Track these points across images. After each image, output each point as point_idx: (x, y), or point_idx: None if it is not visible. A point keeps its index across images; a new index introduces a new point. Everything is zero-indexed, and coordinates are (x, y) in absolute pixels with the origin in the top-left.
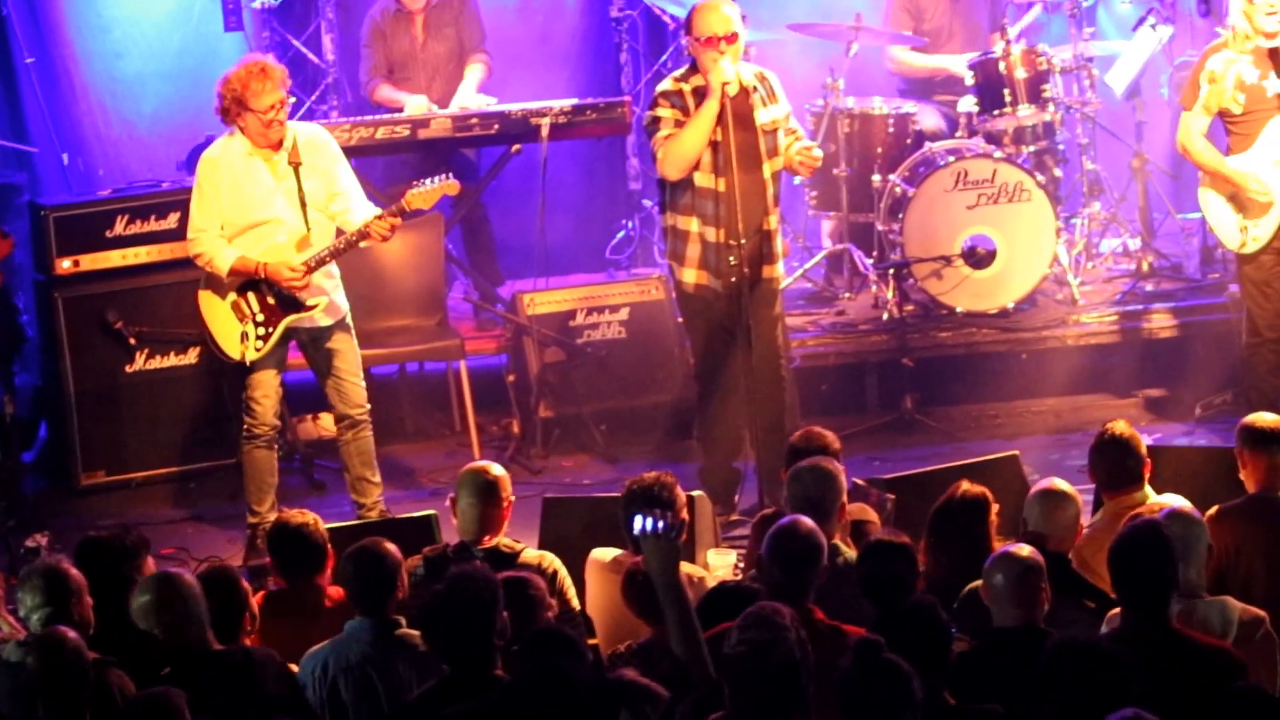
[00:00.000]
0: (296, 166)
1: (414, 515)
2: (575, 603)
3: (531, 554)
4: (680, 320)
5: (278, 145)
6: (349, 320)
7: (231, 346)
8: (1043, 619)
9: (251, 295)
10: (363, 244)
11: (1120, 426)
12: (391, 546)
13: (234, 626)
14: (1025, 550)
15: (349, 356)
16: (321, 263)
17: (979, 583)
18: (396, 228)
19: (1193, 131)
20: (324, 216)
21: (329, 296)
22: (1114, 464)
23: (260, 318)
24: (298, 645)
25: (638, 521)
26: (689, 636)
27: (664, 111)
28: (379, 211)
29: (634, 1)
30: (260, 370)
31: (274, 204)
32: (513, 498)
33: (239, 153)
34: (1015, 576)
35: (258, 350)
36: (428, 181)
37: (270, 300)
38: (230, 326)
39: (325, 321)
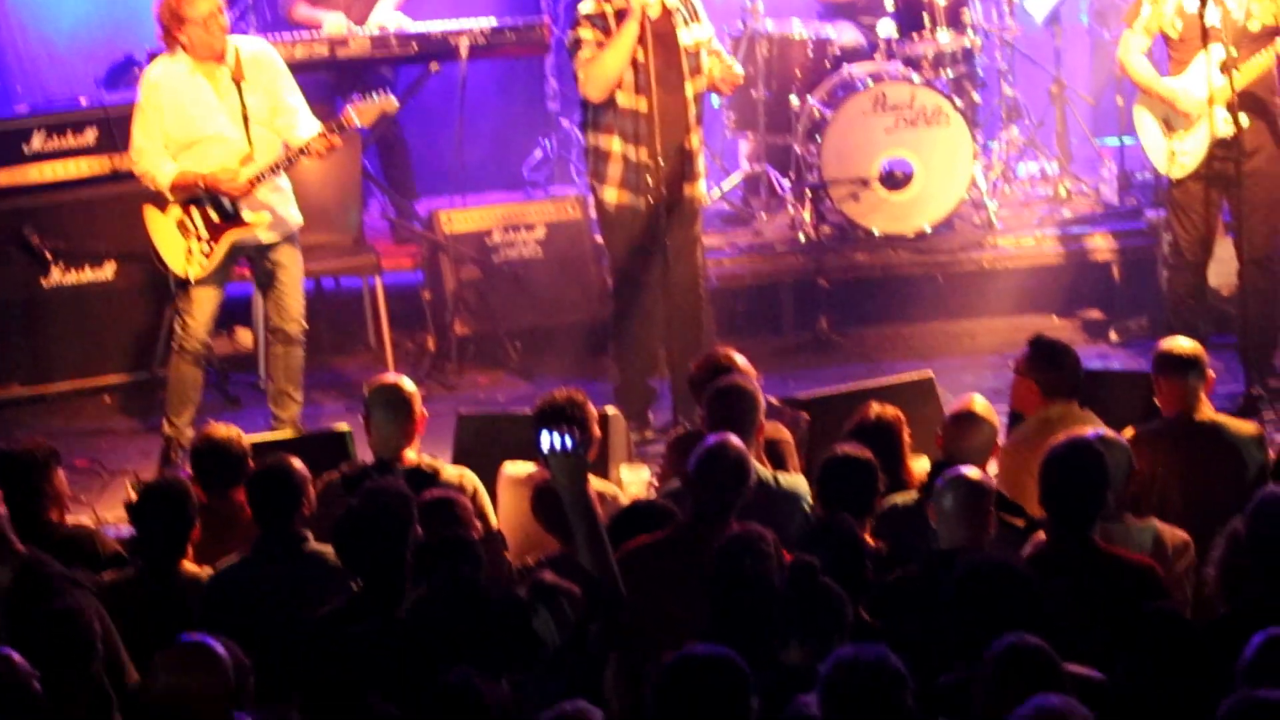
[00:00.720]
0: (239, 83)
1: (328, 430)
2: (494, 519)
3: (451, 472)
4: (599, 239)
5: (221, 57)
6: (296, 235)
7: (177, 263)
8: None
9: (195, 212)
10: (304, 159)
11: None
12: (298, 463)
13: (182, 539)
14: (975, 473)
15: (292, 271)
16: (263, 178)
17: (893, 499)
18: (335, 147)
19: (1132, 49)
20: (268, 132)
21: (274, 212)
22: (1057, 370)
23: (204, 234)
24: (215, 558)
25: (545, 438)
26: (598, 552)
27: (585, 33)
28: (322, 128)
29: None
30: (201, 286)
31: (217, 120)
32: (425, 412)
33: (181, 71)
34: (964, 498)
35: (202, 267)
36: (369, 98)
37: (214, 217)
38: (175, 243)
39: (270, 237)
